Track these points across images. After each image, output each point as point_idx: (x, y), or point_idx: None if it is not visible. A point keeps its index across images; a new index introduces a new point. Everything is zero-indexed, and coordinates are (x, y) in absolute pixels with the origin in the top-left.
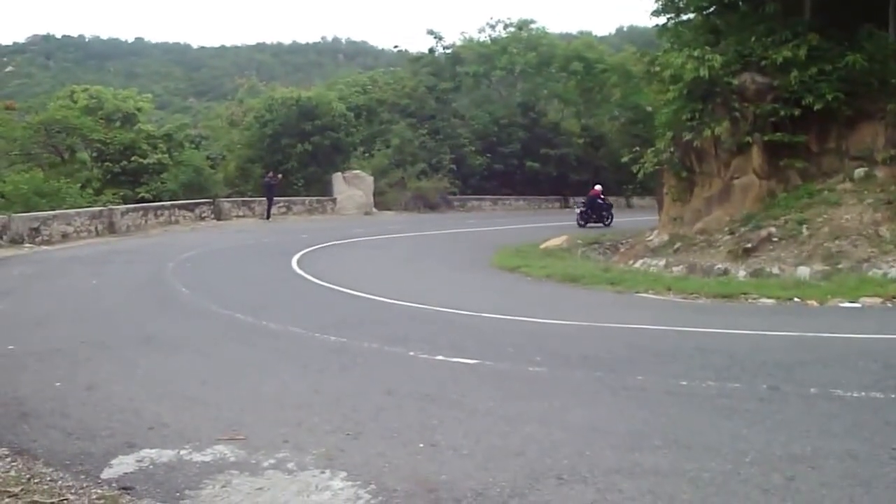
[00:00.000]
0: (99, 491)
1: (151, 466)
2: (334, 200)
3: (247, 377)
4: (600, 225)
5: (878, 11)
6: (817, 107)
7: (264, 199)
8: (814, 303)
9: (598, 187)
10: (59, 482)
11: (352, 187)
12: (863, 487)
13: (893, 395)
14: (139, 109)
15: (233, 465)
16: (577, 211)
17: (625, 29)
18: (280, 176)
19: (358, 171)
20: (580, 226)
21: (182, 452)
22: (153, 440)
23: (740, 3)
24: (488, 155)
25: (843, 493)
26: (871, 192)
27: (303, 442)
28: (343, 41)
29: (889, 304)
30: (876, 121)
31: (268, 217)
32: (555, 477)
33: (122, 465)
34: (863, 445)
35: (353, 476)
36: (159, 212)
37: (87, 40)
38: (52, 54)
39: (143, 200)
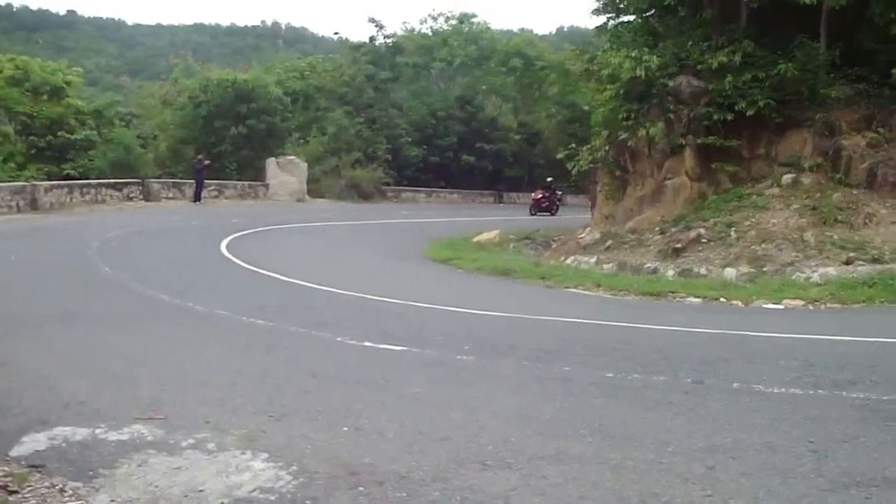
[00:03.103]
0: (6, 468)
1: (64, 444)
2: (267, 186)
3: (169, 356)
4: (548, 214)
5: (810, 23)
6: (749, 113)
7: (194, 181)
8: (739, 303)
9: (549, 179)
10: None
11: (285, 173)
12: (780, 477)
13: (812, 392)
14: (68, 83)
15: (150, 445)
16: (536, 197)
17: (565, 28)
18: (208, 162)
19: (292, 158)
20: (531, 214)
21: (98, 431)
22: (68, 418)
23: (679, 7)
24: (424, 147)
25: (761, 483)
26: (797, 198)
27: (224, 422)
28: (283, 26)
29: (810, 307)
30: (804, 129)
31: (197, 200)
32: (479, 462)
33: (34, 442)
34: (781, 438)
35: (275, 457)
36: (85, 190)
37: (14, 9)
38: None
39: (68, 178)
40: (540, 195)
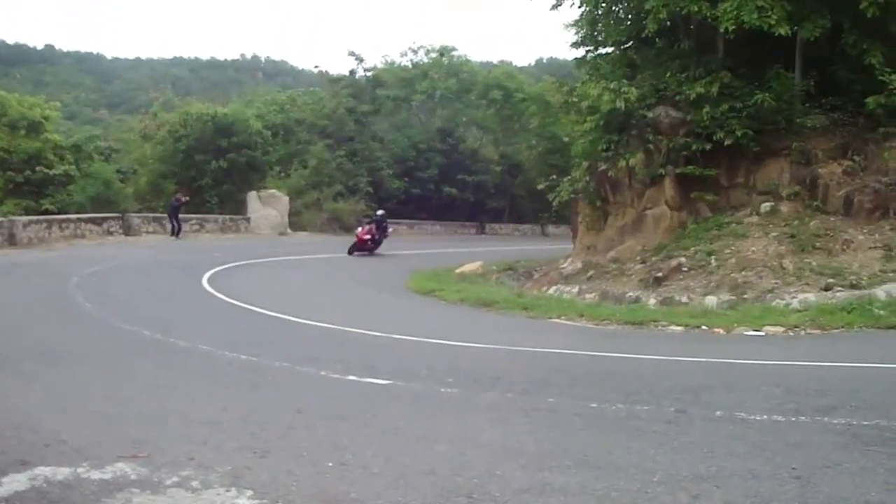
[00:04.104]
0: None
1: (45, 485)
2: (248, 219)
3: (152, 394)
4: (368, 253)
5: (786, 53)
6: (727, 142)
7: (171, 218)
8: (720, 331)
9: (380, 212)
10: None
11: (267, 207)
12: None
13: (794, 418)
14: (46, 118)
15: (134, 484)
16: (362, 236)
17: (544, 60)
18: (186, 199)
19: (273, 191)
20: (350, 254)
21: (80, 470)
22: (49, 457)
23: (656, 39)
24: (406, 179)
25: None
26: (775, 226)
27: (208, 460)
28: (262, 59)
29: (791, 333)
30: (782, 158)
31: (175, 234)
32: (465, 496)
33: (14, 483)
34: (765, 465)
35: (260, 494)
36: (64, 225)
37: None
38: None
39: (47, 212)
40: (366, 232)
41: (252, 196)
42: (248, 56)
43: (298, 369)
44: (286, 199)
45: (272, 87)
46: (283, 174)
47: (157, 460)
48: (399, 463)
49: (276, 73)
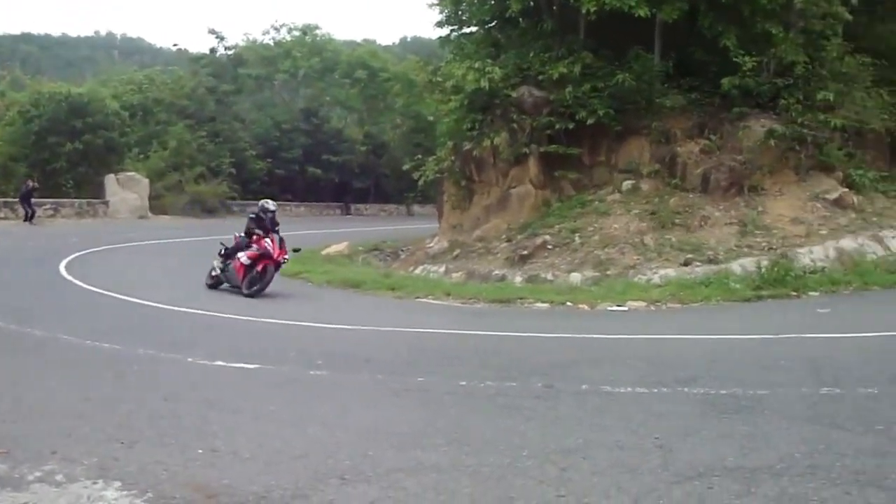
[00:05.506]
0: None
1: None
2: (107, 203)
3: (9, 387)
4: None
5: (645, 35)
6: (590, 121)
7: (22, 204)
8: (585, 307)
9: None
10: None
11: (126, 190)
12: (630, 474)
13: (656, 390)
14: None
15: None
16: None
17: (409, 39)
18: (36, 185)
19: (133, 174)
20: None
21: None
22: None
23: (520, 19)
24: (269, 160)
25: (611, 481)
26: (636, 204)
27: (73, 453)
28: (118, 36)
29: (652, 308)
30: (642, 137)
31: (29, 220)
32: (338, 477)
33: None
34: (629, 436)
35: (129, 485)
36: None
37: None
38: None
39: None
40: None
41: (110, 179)
42: (103, 33)
43: (164, 356)
44: (146, 181)
45: (129, 65)
46: (142, 156)
47: (17, 456)
48: (271, 447)
49: (133, 51)
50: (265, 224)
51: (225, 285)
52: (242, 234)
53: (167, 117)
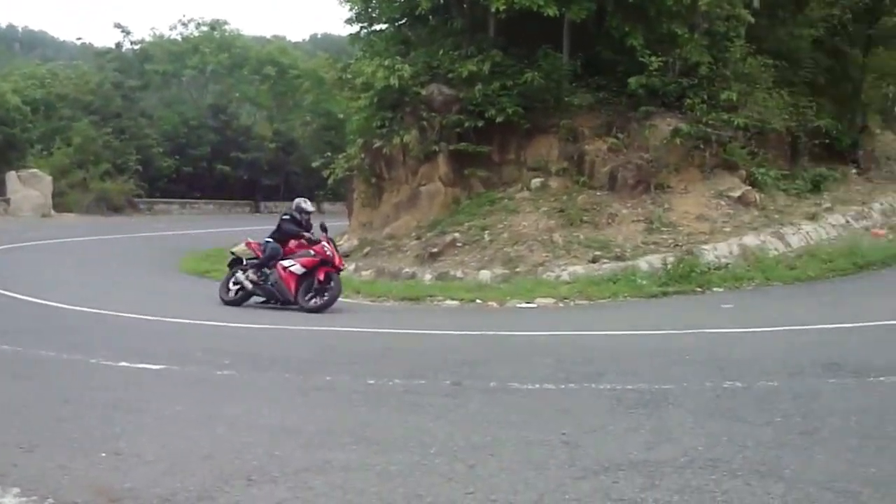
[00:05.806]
0: None
1: None
2: (8, 201)
3: None
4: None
5: (554, 34)
6: (499, 119)
7: None
8: (494, 304)
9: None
10: None
11: (28, 187)
12: (537, 470)
13: (563, 386)
14: None
15: None
16: None
17: (319, 36)
18: None
19: (35, 170)
20: None
21: None
22: None
23: (430, 16)
24: (177, 157)
25: (519, 477)
26: (545, 201)
27: None
28: (19, 29)
29: (561, 305)
30: (551, 135)
31: None
32: (245, 478)
33: None
34: (537, 432)
35: (28, 491)
36: None
37: None
38: None
39: None
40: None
41: (11, 176)
42: (3, 25)
43: (66, 357)
44: (49, 178)
45: (31, 59)
46: (45, 153)
47: None
48: (176, 449)
49: (35, 44)
50: (303, 226)
51: (255, 300)
52: (268, 239)
53: (71, 113)
